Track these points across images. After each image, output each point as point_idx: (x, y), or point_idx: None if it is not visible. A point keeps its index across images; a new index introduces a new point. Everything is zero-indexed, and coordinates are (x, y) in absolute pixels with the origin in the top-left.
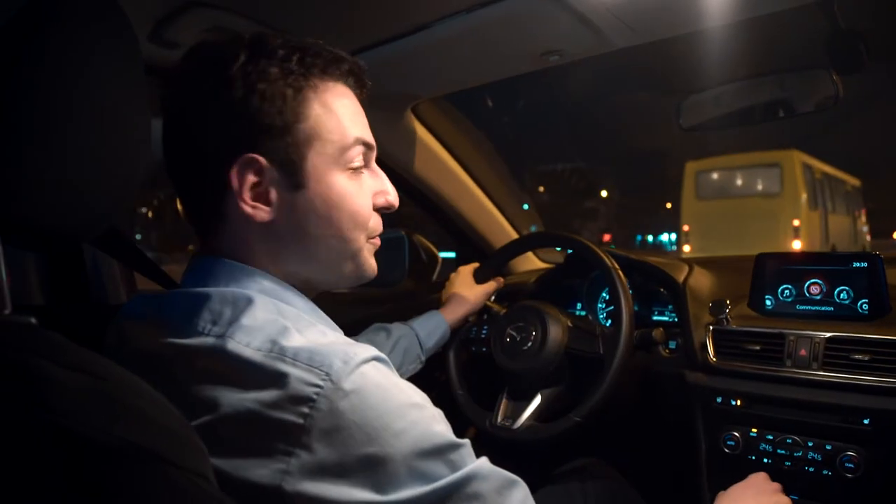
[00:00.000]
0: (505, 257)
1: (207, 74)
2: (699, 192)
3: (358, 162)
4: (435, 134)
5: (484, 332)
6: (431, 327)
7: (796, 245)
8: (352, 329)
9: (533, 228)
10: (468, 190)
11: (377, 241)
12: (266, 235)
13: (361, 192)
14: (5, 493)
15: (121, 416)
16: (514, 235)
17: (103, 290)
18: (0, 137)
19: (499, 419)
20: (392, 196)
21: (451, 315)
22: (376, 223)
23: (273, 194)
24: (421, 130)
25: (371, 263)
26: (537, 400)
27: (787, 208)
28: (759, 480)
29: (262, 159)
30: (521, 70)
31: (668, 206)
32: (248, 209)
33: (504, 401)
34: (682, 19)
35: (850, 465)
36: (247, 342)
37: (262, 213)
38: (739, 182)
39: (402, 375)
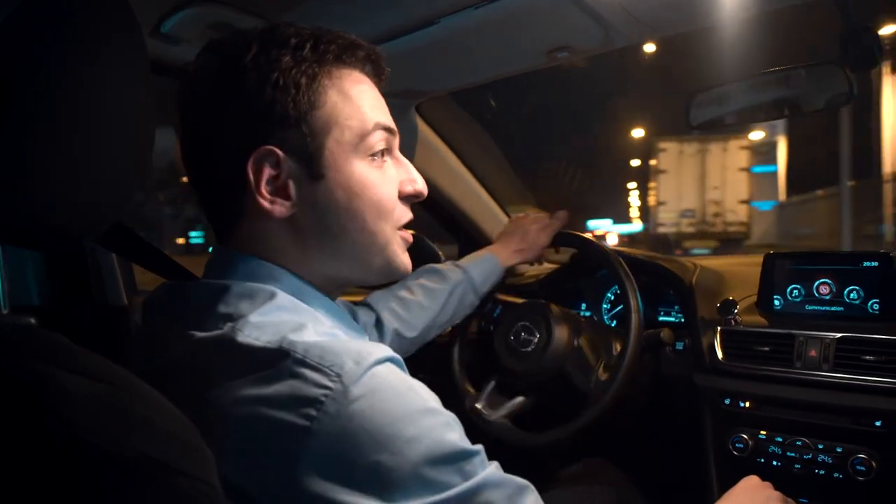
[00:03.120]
0: None
1: (220, 69)
2: None
3: (379, 147)
4: (439, 133)
5: (497, 311)
6: (486, 271)
7: None
8: None
9: None
10: (473, 190)
11: (408, 235)
12: (287, 231)
13: (385, 181)
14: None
15: (130, 424)
16: None
17: (103, 290)
18: (1, 134)
19: (479, 404)
20: (420, 184)
21: (506, 260)
22: (402, 213)
23: (291, 187)
24: (425, 129)
25: (403, 259)
26: (518, 399)
27: None
28: (751, 484)
29: (278, 151)
30: (529, 67)
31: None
32: (266, 204)
33: (491, 387)
34: (695, 14)
35: (862, 468)
36: (256, 336)
37: (281, 207)
38: None
39: (454, 321)
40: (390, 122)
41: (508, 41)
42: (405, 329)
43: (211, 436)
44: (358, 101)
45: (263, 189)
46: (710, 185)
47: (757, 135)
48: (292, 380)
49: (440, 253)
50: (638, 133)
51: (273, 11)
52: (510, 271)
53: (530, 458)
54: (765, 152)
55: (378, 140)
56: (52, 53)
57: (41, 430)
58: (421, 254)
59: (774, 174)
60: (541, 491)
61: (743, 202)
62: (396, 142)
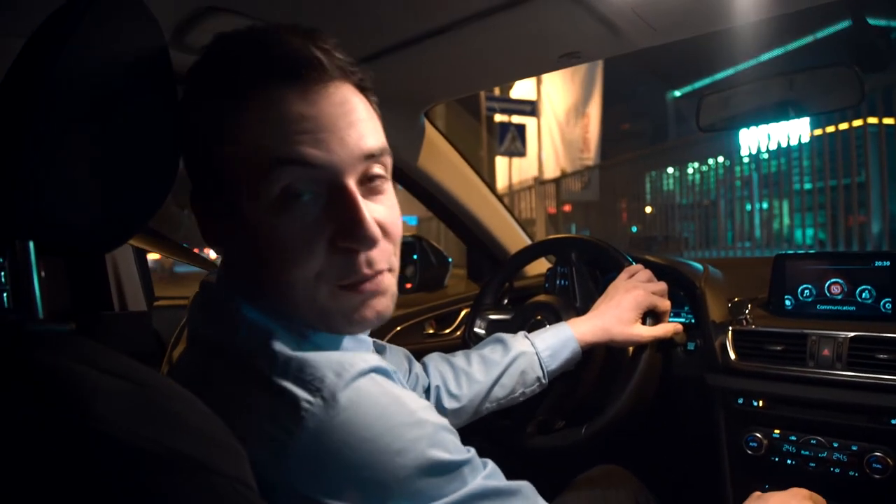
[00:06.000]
0: (519, 264)
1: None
2: None
3: (280, 184)
4: (448, 138)
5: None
6: (557, 346)
7: None
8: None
9: None
10: (481, 194)
11: (363, 289)
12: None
13: (291, 226)
14: (46, 502)
15: (163, 423)
16: (527, 240)
17: (123, 297)
18: (33, 146)
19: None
20: (365, 230)
21: (588, 335)
22: (331, 264)
23: (220, 227)
24: (435, 135)
25: (350, 317)
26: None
27: None
28: (800, 493)
29: (205, 188)
30: (538, 72)
31: None
32: (210, 241)
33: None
34: (705, 18)
35: (878, 466)
36: (243, 344)
37: (218, 247)
38: None
39: (514, 398)
40: (308, 154)
41: (518, 48)
42: (446, 397)
43: None
44: (261, 133)
45: (205, 227)
46: None
47: None
48: (274, 392)
49: (446, 258)
50: None
51: (288, 21)
52: (520, 273)
53: (543, 462)
54: None
55: (278, 178)
56: (80, 64)
57: (75, 428)
58: (427, 260)
59: None
60: (553, 497)
61: None
62: (331, 175)
